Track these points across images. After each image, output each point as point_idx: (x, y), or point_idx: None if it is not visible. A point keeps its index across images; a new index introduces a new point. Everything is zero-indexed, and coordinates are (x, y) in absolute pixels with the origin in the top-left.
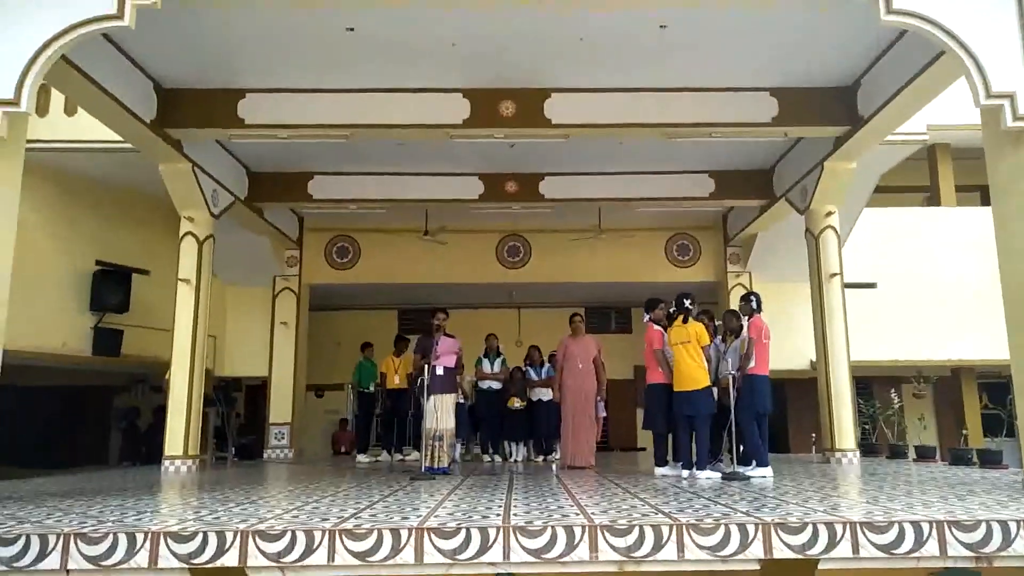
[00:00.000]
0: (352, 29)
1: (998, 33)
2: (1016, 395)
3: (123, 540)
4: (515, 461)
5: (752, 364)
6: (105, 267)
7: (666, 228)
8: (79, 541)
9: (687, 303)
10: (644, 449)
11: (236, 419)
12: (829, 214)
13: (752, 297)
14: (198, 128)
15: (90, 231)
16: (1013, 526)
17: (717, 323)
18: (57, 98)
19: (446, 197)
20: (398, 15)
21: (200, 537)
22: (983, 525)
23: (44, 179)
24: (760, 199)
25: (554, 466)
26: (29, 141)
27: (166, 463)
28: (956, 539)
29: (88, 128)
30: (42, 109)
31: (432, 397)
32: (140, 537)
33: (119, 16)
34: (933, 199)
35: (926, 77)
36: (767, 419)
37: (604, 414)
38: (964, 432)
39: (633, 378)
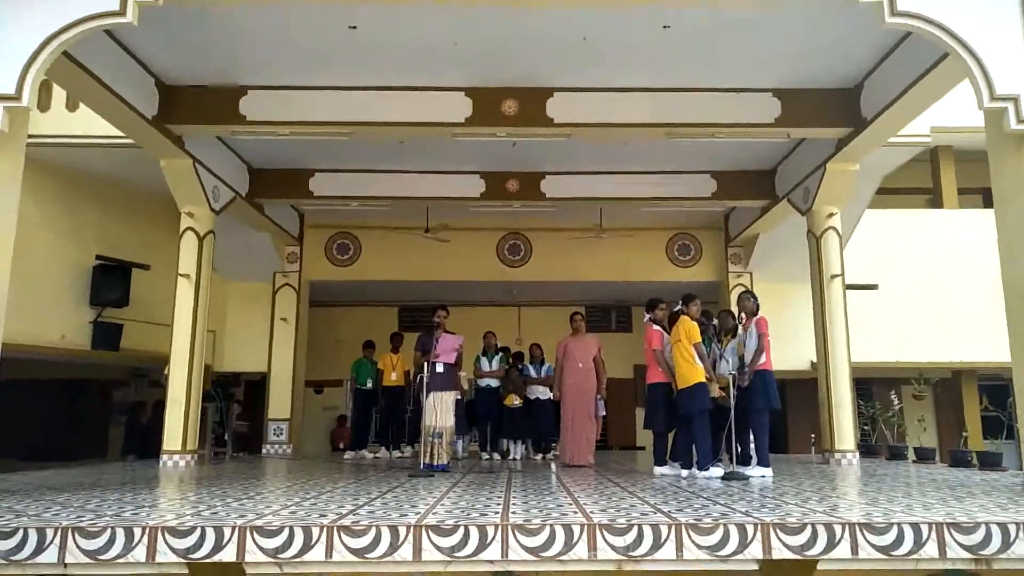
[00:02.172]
0: (355, 27)
1: (1002, 36)
2: (1016, 397)
3: (121, 534)
4: (513, 459)
5: (763, 360)
6: (105, 262)
7: (667, 228)
8: (77, 535)
9: (679, 305)
10: (643, 448)
11: (235, 410)
12: (831, 215)
13: (752, 296)
14: (199, 124)
15: (91, 226)
16: (1012, 528)
17: (714, 323)
18: (59, 93)
19: (447, 195)
20: (400, 13)
21: (198, 532)
22: (982, 527)
23: (45, 174)
24: (762, 200)
25: (553, 464)
26: (30, 136)
27: (164, 458)
28: (955, 541)
29: (90, 123)
30: (44, 104)
31: (432, 394)
32: (138, 532)
33: (122, 13)
34: (935, 201)
35: (930, 79)
36: (769, 418)
37: (604, 413)
38: (964, 434)
39: (633, 377)
